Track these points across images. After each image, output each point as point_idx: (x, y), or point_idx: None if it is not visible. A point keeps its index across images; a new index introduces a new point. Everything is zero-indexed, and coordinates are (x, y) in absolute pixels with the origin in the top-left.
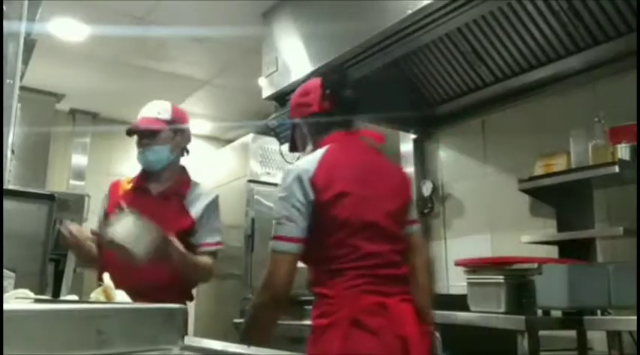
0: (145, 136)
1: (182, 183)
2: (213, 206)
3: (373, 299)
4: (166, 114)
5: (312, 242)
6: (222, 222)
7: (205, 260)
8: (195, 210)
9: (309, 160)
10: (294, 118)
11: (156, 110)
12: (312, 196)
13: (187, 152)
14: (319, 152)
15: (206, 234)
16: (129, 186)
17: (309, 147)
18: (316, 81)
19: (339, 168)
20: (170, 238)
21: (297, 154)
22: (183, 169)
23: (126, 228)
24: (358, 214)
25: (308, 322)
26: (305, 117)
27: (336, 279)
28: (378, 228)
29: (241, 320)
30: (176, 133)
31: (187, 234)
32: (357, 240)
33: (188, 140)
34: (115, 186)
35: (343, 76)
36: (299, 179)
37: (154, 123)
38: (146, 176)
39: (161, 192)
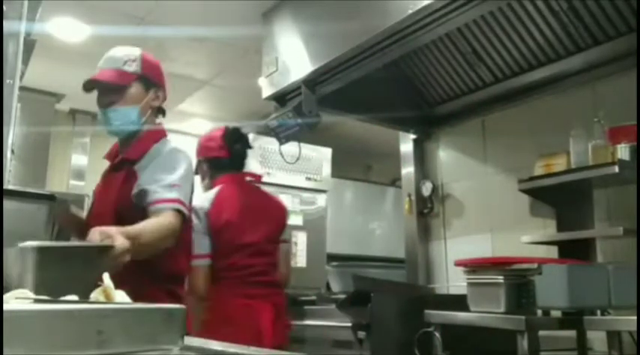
0: (108, 93)
1: (139, 146)
2: (165, 159)
3: (240, 302)
4: (135, 66)
5: None
6: (184, 183)
7: (165, 218)
8: (144, 173)
9: (206, 198)
10: (199, 157)
11: (121, 59)
12: (207, 224)
13: (163, 113)
14: (213, 192)
15: (160, 189)
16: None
17: (207, 181)
18: (220, 131)
19: (228, 204)
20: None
21: (296, 155)
22: (154, 132)
23: None
24: (239, 237)
25: (308, 322)
26: (207, 157)
27: (215, 286)
28: (254, 247)
29: None
30: (148, 89)
31: (129, 207)
32: (235, 257)
33: (163, 98)
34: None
35: (239, 134)
36: (197, 213)
37: (119, 76)
38: (117, 147)
39: (112, 164)
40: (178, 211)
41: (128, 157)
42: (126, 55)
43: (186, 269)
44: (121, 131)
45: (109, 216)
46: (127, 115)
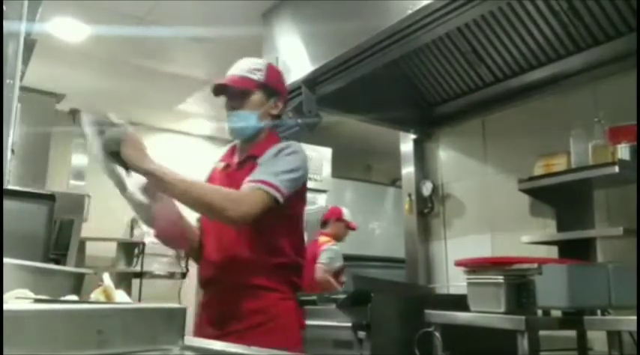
0: (233, 97)
1: (262, 146)
2: (276, 150)
3: None
4: (259, 75)
5: None
6: (287, 168)
7: (238, 192)
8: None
9: None
10: None
11: (248, 67)
12: None
13: (280, 118)
14: None
15: (252, 174)
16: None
17: None
18: None
19: None
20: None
21: None
22: (271, 135)
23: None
24: None
25: (308, 322)
26: None
27: None
28: None
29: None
30: (269, 98)
31: None
32: None
33: (282, 106)
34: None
35: None
36: None
37: (243, 82)
38: (234, 148)
39: (237, 162)
40: (261, 191)
41: (253, 154)
42: (253, 63)
43: (301, 257)
44: (240, 133)
45: None
46: (246, 119)
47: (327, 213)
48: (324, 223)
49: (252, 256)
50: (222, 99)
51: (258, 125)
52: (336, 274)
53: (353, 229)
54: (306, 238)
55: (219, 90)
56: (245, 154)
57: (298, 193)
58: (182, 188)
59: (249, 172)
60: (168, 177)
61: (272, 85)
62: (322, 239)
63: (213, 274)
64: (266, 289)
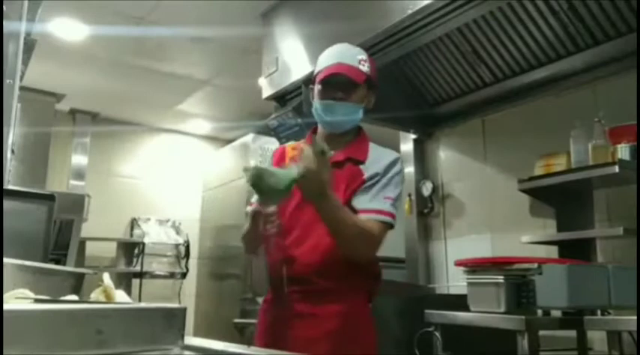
0: (340, 87)
1: (361, 147)
2: (391, 167)
3: None
4: (366, 66)
5: None
6: (398, 192)
7: (367, 223)
8: (370, 172)
9: None
10: None
11: (356, 57)
12: None
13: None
14: None
15: (369, 198)
16: (295, 153)
17: None
18: None
19: None
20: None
21: None
22: (362, 132)
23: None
24: None
25: None
26: None
27: None
28: None
29: (241, 320)
30: (369, 90)
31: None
32: None
33: (374, 101)
34: (278, 153)
35: None
36: None
37: (356, 73)
38: (317, 139)
39: (335, 160)
40: (382, 224)
41: (356, 157)
42: (358, 52)
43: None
44: (340, 126)
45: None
46: (351, 112)
47: None
48: None
49: (344, 262)
50: (221, 99)
51: (358, 119)
52: None
53: None
54: None
55: (328, 77)
56: (341, 151)
57: None
58: (336, 227)
59: (350, 176)
60: (335, 214)
61: (374, 77)
62: None
63: (303, 274)
64: (347, 295)
